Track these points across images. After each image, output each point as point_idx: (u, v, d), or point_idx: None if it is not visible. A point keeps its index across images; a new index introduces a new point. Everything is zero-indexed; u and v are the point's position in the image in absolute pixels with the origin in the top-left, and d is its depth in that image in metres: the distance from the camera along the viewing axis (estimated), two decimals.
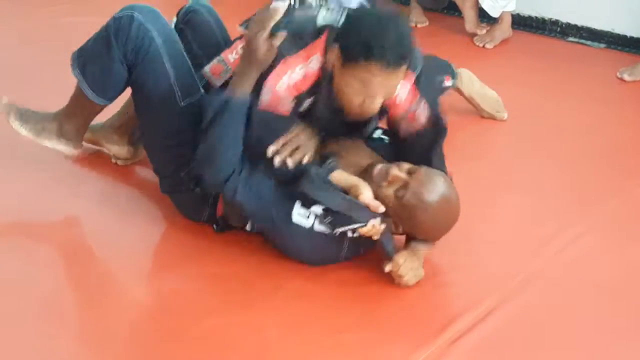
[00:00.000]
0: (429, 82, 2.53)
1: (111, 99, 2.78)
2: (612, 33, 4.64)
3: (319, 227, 2.43)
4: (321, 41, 2.42)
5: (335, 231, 2.43)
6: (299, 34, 2.44)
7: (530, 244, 2.78)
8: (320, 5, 2.57)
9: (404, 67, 2.32)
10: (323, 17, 2.48)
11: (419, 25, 4.78)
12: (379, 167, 2.46)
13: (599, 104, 3.89)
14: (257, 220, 2.52)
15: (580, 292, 2.57)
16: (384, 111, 2.51)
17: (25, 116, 2.84)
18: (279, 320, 2.38)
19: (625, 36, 4.60)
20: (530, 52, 4.51)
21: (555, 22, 4.79)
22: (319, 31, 2.44)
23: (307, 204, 2.41)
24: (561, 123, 3.68)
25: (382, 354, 2.27)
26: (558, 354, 2.32)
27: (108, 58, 2.64)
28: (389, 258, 2.46)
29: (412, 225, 2.46)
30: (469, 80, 3.53)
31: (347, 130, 2.56)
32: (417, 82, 2.48)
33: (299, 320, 2.38)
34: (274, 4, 2.41)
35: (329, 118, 2.50)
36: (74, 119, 2.83)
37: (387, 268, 2.47)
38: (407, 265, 2.45)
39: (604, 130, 3.63)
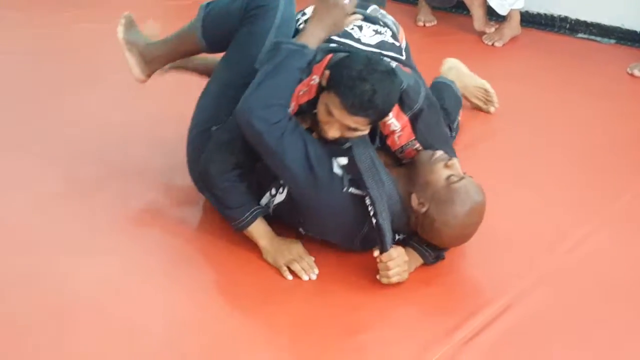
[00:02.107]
0: (434, 125, 2.65)
1: (210, 45, 2.85)
2: (621, 29, 4.62)
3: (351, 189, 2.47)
4: (323, 63, 2.53)
5: (349, 190, 2.46)
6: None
7: (542, 241, 2.78)
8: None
9: (362, 118, 2.41)
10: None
11: (427, 25, 4.77)
12: (441, 151, 2.53)
13: (610, 99, 3.88)
14: (294, 170, 2.46)
15: (594, 289, 2.57)
16: (382, 139, 2.61)
17: (131, 27, 3.02)
18: (293, 321, 2.39)
19: (635, 32, 4.58)
20: (539, 50, 4.50)
21: (565, 19, 4.78)
22: (326, 54, 2.56)
23: (340, 154, 2.47)
24: (571, 119, 3.67)
25: (397, 353, 2.27)
26: (573, 352, 2.32)
27: (231, 5, 2.76)
28: (384, 249, 2.47)
29: (440, 213, 2.45)
30: (457, 76, 3.54)
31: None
32: (414, 123, 2.56)
33: (313, 321, 2.38)
34: None
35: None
36: (165, 47, 2.96)
37: (376, 253, 2.48)
38: (397, 261, 2.46)
39: (615, 126, 3.62)
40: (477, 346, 2.29)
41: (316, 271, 2.55)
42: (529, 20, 4.81)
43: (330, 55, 2.56)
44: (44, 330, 2.30)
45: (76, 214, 2.82)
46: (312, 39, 2.52)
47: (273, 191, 2.61)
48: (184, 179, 2.85)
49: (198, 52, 2.94)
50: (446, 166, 2.49)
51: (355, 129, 2.45)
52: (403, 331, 2.36)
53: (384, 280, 2.48)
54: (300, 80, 2.52)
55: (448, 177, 2.46)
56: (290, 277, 2.53)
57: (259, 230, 2.62)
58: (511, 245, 2.75)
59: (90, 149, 3.21)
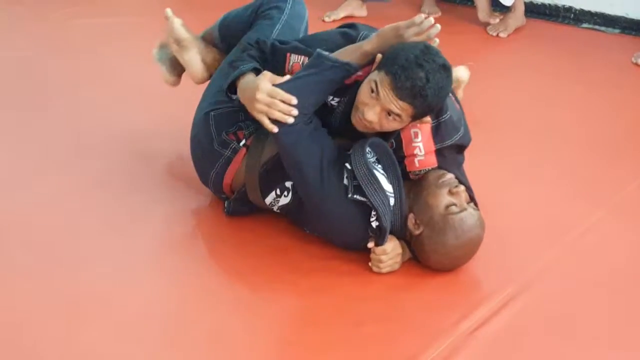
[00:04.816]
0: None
1: (225, 43, 2.96)
2: (626, 18, 4.61)
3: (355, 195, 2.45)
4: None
5: (354, 196, 2.44)
6: None
7: (548, 231, 2.78)
8: None
9: (408, 105, 2.36)
10: None
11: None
12: (451, 174, 2.50)
13: (614, 89, 3.87)
14: (305, 172, 2.45)
15: (599, 279, 2.57)
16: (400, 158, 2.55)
17: (182, 25, 2.99)
18: (298, 314, 2.39)
19: None
20: (544, 40, 4.49)
21: (569, 9, 4.77)
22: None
23: (347, 159, 2.46)
24: (577, 109, 3.67)
25: (402, 345, 2.28)
26: (578, 343, 2.32)
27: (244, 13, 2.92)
28: (380, 244, 2.47)
29: (431, 240, 2.46)
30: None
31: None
32: (440, 157, 2.52)
33: (318, 314, 2.39)
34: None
35: (342, 121, 2.55)
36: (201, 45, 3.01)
37: (371, 245, 2.49)
38: (390, 254, 2.49)
39: (620, 116, 3.62)
40: (481, 337, 2.30)
41: (275, 130, 2.45)
42: (534, 10, 4.80)
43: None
44: (52, 325, 2.31)
45: (81, 209, 2.83)
46: (361, 57, 2.47)
47: (278, 191, 2.60)
48: (189, 173, 2.86)
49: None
50: (450, 192, 2.45)
51: (395, 117, 2.39)
52: (408, 323, 2.37)
53: (375, 270, 2.51)
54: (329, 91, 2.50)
55: (448, 206, 2.43)
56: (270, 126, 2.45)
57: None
58: (516, 235, 2.75)
59: (93, 144, 3.22)
